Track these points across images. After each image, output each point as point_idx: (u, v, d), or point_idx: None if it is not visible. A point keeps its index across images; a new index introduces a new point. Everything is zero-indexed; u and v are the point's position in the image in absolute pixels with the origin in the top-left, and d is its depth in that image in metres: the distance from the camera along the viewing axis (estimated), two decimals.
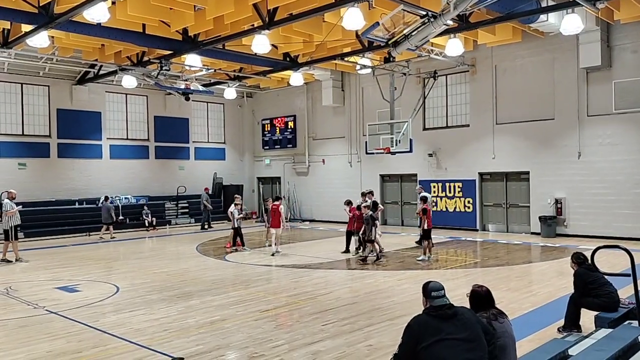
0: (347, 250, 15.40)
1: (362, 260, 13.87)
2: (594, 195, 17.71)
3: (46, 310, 9.30)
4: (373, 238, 13.87)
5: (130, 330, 7.92)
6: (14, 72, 21.50)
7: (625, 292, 7.17)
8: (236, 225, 16.08)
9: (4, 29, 15.26)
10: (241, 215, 16.48)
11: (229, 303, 9.61)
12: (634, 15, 15.00)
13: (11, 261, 14.85)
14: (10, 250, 15.00)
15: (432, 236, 14.54)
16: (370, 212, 14.01)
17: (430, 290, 4.19)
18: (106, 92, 24.38)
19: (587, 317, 7.01)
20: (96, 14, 11.91)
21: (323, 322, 8.23)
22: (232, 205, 16.44)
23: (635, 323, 5.89)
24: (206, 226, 23.73)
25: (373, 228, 13.82)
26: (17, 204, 15.30)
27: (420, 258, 13.98)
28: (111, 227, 20.59)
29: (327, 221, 23.09)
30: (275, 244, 15.32)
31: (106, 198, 21.27)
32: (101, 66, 21.09)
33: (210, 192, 25.36)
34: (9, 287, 11.36)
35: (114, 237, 20.49)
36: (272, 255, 15.07)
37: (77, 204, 22.84)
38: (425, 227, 13.96)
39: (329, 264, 14.00)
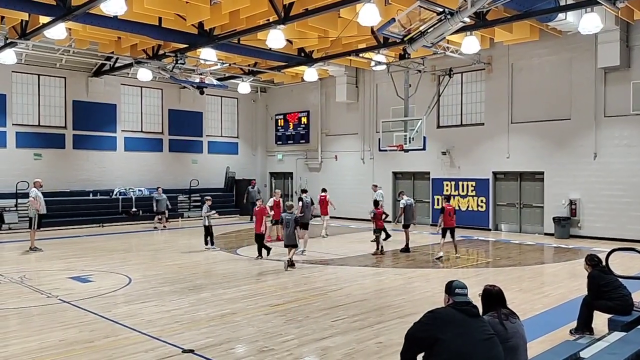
0: (260, 255, 13.88)
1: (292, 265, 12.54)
2: (609, 197, 17.50)
3: (59, 299, 9.41)
4: (297, 243, 12.80)
5: (141, 322, 7.98)
6: (31, 64, 21.72)
7: (639, 296, 7.08)
8: (207, 224, 15.47)
9: (22, 20, 15.39)
10: (212, 213, 15.71)
11: (239, 297, 9.66)
12: None
13: (41, 249, 15.11)
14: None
15: (439, 234, 14.38)
16: (295, 214, 13.03)
17: (454, 287, 4.18)
18: (121, 84, 24.55)
19: (600, 320, 6.94)
20: (113, 7, 11.98)
21: (333, 318, 8.24)
22: (205, 204, 15.81)
23: None
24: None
25: (296, 231, 12.60)
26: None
27: (438, 256, 13.96)
28: (163, 217, 21.42)
29: (339, 217, 23.07)
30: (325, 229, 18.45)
31: (157, 189, 21.87)
32: (117, 59, 21.24)
33: (255, 186, 25.38)
34: (23, 275, 11.51)
35: (164, 227, 21.17)
36: (323, 237, 18.12)
37: (91, 195, 23.06)
38: (443, 225, 14.09)
39: (340, 260, 14.01)
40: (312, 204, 16.43)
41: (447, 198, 15.23)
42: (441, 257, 13.92)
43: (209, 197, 16.42)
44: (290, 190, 28.23)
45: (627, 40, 17.04)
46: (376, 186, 19.42)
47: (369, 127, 24.43)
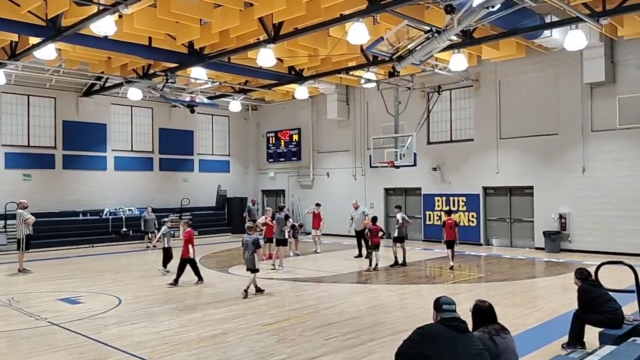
0: (176, 282, 12.68)
1: (244, 292, 11.39)
2: (598, 210, 17.63)
3: (48, 321, 9.29)
4: (257, 267, 11.57)
5: (131, 343, 7.89)
6: (21, 84, 21.67)
7: (630, 309, 7.11)
8: (166, 245, 14.30)
9: (11, 41, 15.40)
10: (170, 233, 14.49)
11: (231, 316, 9.58)
12: (637, 31, 15.04)
13: (30, 271, 14.93)
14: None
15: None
16: (256, 236, 11.80)
17: (442, 304, 4.22)
18: (112, 104, 24.55)
19: (592, 334, 6.94)
20: (103, 27, 12.03)
21: (325, 336, 8.19)
22: (164, 225, 14.53)
23: None
24: None
25: (255, 255, 11.44)
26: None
27: (450, 265, 14.87)
28: (153, 236, 20.33)
29: (331, 234, 23.04)
30: (318, 244, 18.96)
31: (147, 208, 21.61)
32: (107, 78, 21.27)
33: (256, 204, 25.83)
34: (11, 298, 11.36)
35: (154, 247, 19.79)
36: (315, 251, 18.68)
37: (81, 215, 22.90)
38: (445, 238, 15.01)
39: (333, 278, 13.97)
40: (287, 219, 16.26)
41: (448, 212, 16.08)
42: (452, 266, 14.85)
43: (167, 219, 15.20)
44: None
45: (611, 56, 17.33)
46: (357, 202, 18.83)
47: (360, 144, 24.54)
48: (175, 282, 12.61)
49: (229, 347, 7.69)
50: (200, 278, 12.96)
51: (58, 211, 22.38)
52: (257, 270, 11.55)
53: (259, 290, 11.56)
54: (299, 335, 8.32)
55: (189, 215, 25.87)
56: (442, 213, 15.73)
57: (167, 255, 14.43)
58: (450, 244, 15.01)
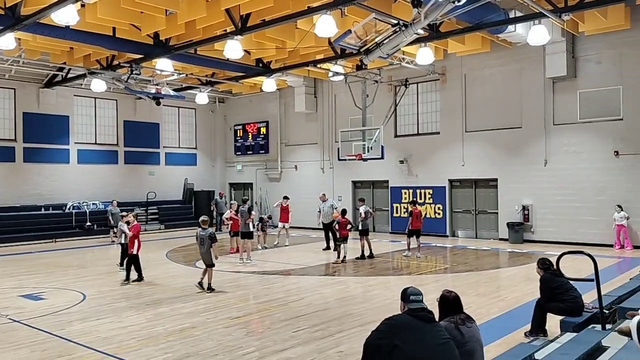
0: (127, 280, 12.29)
1: (202, 286, 11.22)
2: (560, 202, 18.13)
3: (9, 318, 9.05)
4: (213, 263, 11.26)
5: (96, 339, 7.76)
6: None
7: (589, 297, 7.34)
8: (124, 241, 13.37)
9: None
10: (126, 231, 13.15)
11: (199, 310, 9.52)
12: (598, 27, 15.50)
13: None
14: None
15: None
16: (211, 230, 11.44)
17: (409, 294, 4.24)
18: (74, 95, 23.93)
19: (553, 322, 7.16)
20: (65, 17, 11.70)
21: (294, 328, 8.21)
22: (122, 221, 13.79)
23: (598, 327, 6.03)
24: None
25: (211, 250, 11.13)
26: None
27: (405, 254, 15.79)
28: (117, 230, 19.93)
29: (299, 227, 23.05)
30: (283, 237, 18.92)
31: (112, 202, 21.01)
32: (69, 69, 20.72)
33: (223, 197, 25.51)
34: None
35: (113, 241, 19.57)
36: (275, 245, 18.53)
37: (43, 209, 22.31)
38: (411, 228, 15.71)
39: (301, 270, 14.00)
40: (250, 211, 16.05)
41: (414, 202, 16.61)
42: (408, 255, 15.66)
43: (125, 214, 14.58)
44: (250, 201, 27.99)
45: (573, 51, 17.77)
46: (325, 195, 18.84)
47: (328, 137, 24.58)
48: (140, 279, 12.37)
49: (197, 341, 7.64)
50: (127, 278, 12.24)
51: (19, 205, 21.77)
52: (213, 266, 11.23)
53: (209, 288, 11.11)
54: (268, 328, 8.33)
55: (155, 209, 25.59)
56: (409, 205, 15.98)
57: (124, 251, 13.79)
58: (414, 233, 15.67)
